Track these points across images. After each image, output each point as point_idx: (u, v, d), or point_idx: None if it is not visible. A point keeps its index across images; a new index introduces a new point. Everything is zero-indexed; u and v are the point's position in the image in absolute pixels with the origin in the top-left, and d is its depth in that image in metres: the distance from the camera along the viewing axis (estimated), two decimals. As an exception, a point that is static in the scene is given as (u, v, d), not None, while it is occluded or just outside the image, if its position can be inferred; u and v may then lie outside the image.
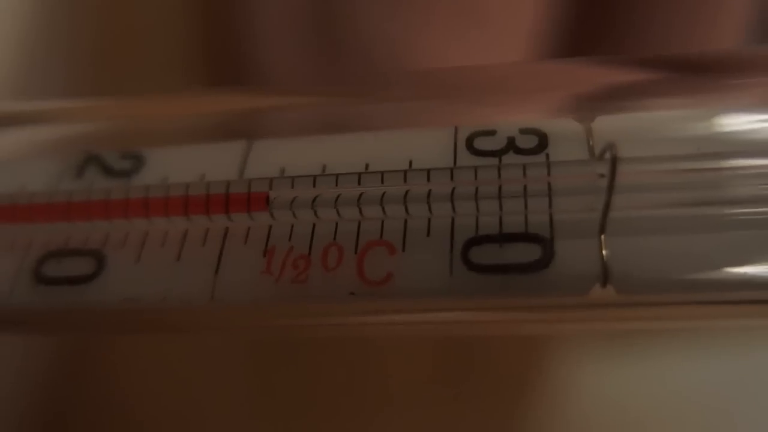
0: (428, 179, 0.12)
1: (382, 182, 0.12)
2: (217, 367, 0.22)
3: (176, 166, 0.14)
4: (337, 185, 0.12)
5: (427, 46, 0.20)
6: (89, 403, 0.22)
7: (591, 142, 0.12)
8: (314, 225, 0.13)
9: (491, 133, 0.13)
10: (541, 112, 0.14)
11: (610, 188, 0.11)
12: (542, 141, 0.13)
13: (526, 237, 0.12)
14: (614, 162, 0.11)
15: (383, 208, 0.12)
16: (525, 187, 0.12)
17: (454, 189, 0.12)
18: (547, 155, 0.13)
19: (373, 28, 0.21)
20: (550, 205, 0.12)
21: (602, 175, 0.12)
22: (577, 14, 0.23)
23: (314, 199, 0.12)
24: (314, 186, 0.13)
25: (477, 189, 0.12)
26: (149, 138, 0.15)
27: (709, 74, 0.14)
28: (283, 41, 0.21)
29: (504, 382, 0.22)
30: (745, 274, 0.11)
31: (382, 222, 0.12)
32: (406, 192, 0.12)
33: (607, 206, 0.11)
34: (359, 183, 0.12)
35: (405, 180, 0.12)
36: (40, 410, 0.21)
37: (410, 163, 0.13)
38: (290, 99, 0.15)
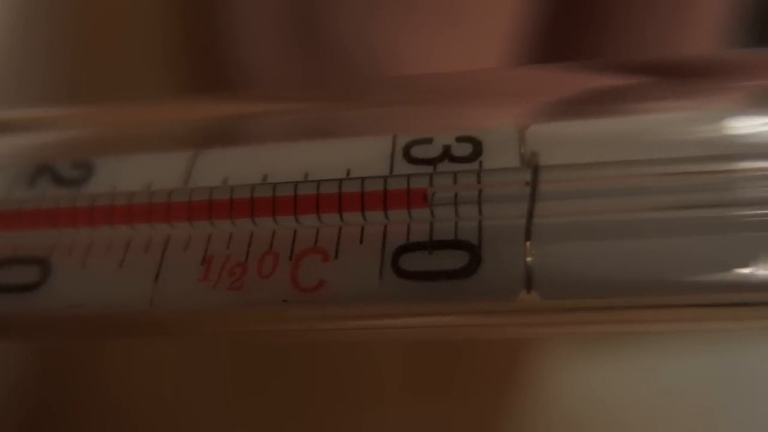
0: (362, 187, 0.12)
1: (318, 190, 0.13)
2: (195, 372, 0.22)
3: (125, 175, 0.14)
4: (274, 193, 0.13)
5: (405, 46, 0.21)
6: (67, 408, 0.22)
7: (522, 150, 0.13)
8: (252, 233, 0.13)
9: (428, 141, 0.13)
10: (521, 117, 0.14)
11: (533, 196, 0.12)
12: (477, 149, 0.13)
13: (455, 244, 0.12)
14: (536, 170, 0.11)
15: (318, 216, 0.12)
16: (455, 195, 0.12)
17: (386, 197, 0.12)
18: (481, 163, 0.13)
19: (351, 29, 0.21)
20: (480, 213, 0.12)
21: (528, 183, 0.12)
22: (554, 15, 0.24)
23: (252, 207, 0.13)
24: (252, 194, 0.13)
25: (409, 197, 0.12)
26: (129, 145, 0.15)
27: (688, 78, 0.14)
28: (263, 42, 0.22)
29: (487, 383, 0.22)
30: (667, 278, 0.11)
31: (318, 229, 0.13)
32: (341, 199, 0.12)
33: (530, 214, 0.12)
34: (295, 191, 0.13)
35: (340, 188, 0.12)
36: (13, 414, 0.21)
37: (348, 171, 0.13)
38: (269, 105, 0.16)
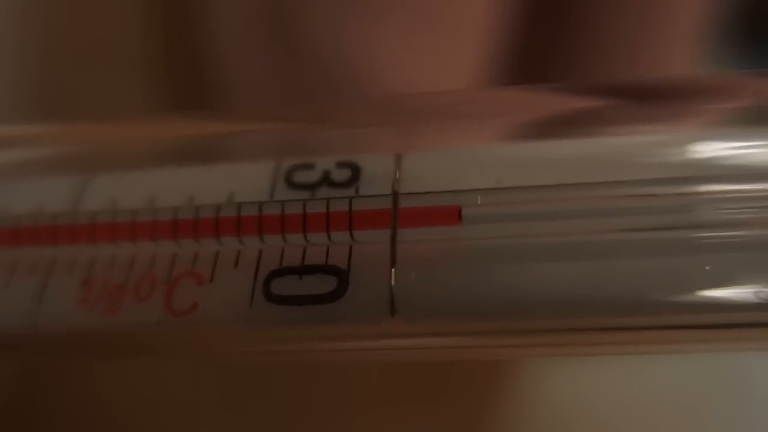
0: (239, 212, 0.13)
1: (197, 214, 0.13)
2: (180, 389, 0.22)
3: (18, 196, 0.14)
4: (155, 217, 0.13)
5: (379, 53, 0.21)
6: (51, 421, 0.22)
7: (397, 176, 0.13)
8: (134, 256, 0.13)
9: (310, 166, 0.13)
10: (492, 138, 0.14)
11: (394, 222, 0.12)
12: (355, 174, 0.13)
13: (324, 269, 0.12)
14: (395, 197, 0.12)
15: (197, 240, 0.13)
16: (328, 221, 0.12)
17: (261, 222, 0.13)
18: (357, 189, 0.13)
19: (325, 33, 0.21)
20: (352, 238, 0.12)
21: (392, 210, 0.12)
22: (528, 24, 0.24)
23: (133, 230, 0.13)
24: (135, 218, 0.13)
25: (283, 222, 0.12)
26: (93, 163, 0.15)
27: (650, 101, 0.14)
28: (240, 47, 0.22)
29: (475, 386, 0.23)
30: (534, 302, 0.12)
31: (196, 253, 0.13)
32: (218, 224, 0.13)
33: (393, 240, 0.12)
34: (175, 215, 0.13)
35: (217, 213, 0.13)
36: None
37: (232, 195, 0.13)
38: (249, 124, 0.16)
